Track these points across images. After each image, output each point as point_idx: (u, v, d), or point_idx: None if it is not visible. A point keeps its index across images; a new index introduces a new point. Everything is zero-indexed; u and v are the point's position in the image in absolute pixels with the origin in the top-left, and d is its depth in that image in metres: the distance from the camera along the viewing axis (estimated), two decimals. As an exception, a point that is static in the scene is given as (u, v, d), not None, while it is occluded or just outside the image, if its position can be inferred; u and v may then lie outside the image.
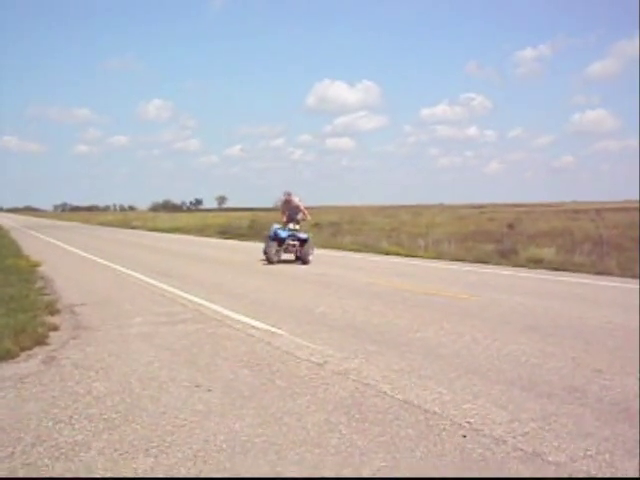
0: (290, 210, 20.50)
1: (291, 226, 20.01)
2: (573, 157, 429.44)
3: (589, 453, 4.58)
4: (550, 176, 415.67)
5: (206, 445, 4.78)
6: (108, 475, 4.36)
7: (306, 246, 19.79)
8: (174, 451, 4.68)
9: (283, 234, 19.62)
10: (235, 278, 15.99)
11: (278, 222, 20.55)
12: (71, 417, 5.46)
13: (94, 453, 4.66)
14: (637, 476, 4.24)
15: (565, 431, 5.02)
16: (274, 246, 19.37)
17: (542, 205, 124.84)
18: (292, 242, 19.80)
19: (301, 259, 19.68)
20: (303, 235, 20.11)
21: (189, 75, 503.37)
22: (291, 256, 20.08)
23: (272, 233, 19.82)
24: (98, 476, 4.41)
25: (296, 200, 20.76)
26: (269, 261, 19.10)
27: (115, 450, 4.72)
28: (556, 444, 4.74)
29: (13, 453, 4.68)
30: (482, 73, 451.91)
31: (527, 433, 4.98)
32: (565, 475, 4.25)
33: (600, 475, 4.25)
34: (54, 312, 10.58)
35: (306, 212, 20.89)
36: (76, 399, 5.98)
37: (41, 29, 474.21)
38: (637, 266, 16.58)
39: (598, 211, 61.57)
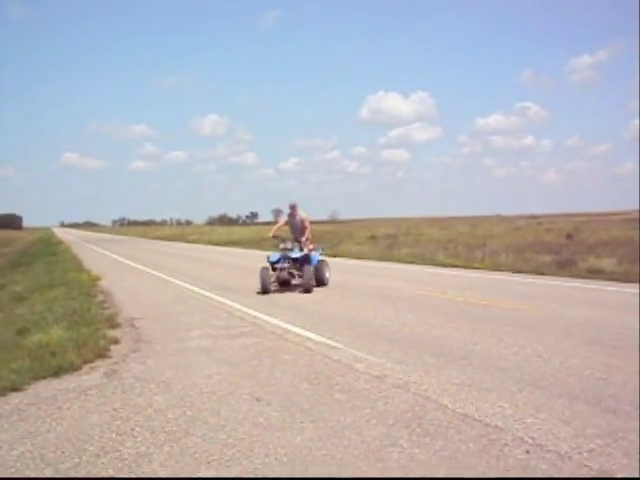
0: (294, 226, 16.59)
1: (282, 245, 16.01)
2: (632, 164, 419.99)
3: (659, 470, 4.45)
4: (610, 184, 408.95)
5: (266, 459, 4.79)
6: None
7: (305, 268, 15.50)
8: (235, 464, 4.70)
9: (272, 258, 15.97)
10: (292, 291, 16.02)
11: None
12: (133, 429, 5.53)
13: (156, 465, 4.72)
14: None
15: (634, 448, 4.88)
16: (265, 274, 15.44)
17: (602, 214, 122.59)
18: (282, 265, 15.83)
19: (302, 285, 15.49)
20: (297, 253, 15.86)
21: (244, 90, 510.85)
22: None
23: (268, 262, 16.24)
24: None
25: (302, 214, 16.62)
26: (264, 292, 15.16)
27: (177, 462, 4.76)
28: (625, 461, 4.62)
29: (79, 464, 4.77)
30: (537, 81, 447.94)
31: (593, 450, 4.86)
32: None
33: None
34: (115, 325, 10.77)
35: (309, 230, 16.54)
36: (138, 411, 6.06)
37: (100, 49, 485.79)
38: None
39: (661, 220, 60.27)
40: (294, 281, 16.21)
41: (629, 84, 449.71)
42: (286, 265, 15.79)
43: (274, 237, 16.70)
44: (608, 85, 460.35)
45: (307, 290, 15.21)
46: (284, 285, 16.23)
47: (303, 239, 16.17)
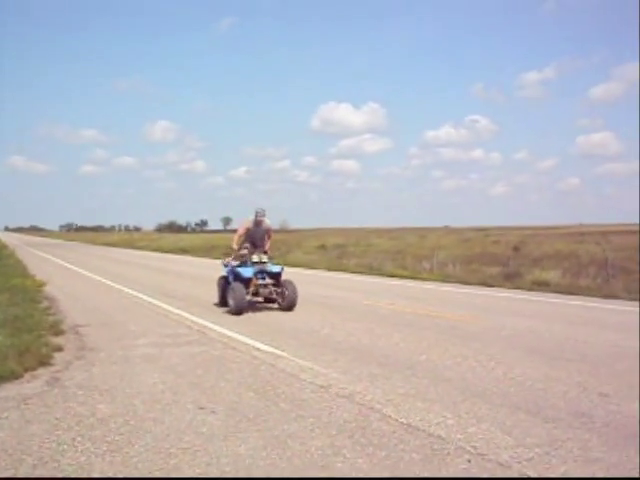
0: (256, 235, 14.45)
1: (255, 257, 13.97)
2: (578, 180, 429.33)
3: (595, 479, 4.55)
4: (555, 199, 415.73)
5: (209, 468, 4.76)
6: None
7: (288, 283, 13.93)
8: (177, 474, 4.66)
9: (247, 272, 13.76)
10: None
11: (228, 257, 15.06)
12: (74, 439, 5.44)
13: (96, 475, 4.65)
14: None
15: (571, 457, 4.98)
16: (241, 291, 13.23)
17: (547, 228, 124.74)
18: (263, 282, 13.95)
19: (286, 302, 13.75)
20: (276, 268, 14.35)
21: (195, 97, 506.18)
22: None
23: (229, 273, 14.33)
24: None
25: (268, 223, 14.78)
26: (238, 314, 12.96)
27: (118, 472, 4.70)
28: (563, 470, 4.71)
29: (15, 475, 4.67)
30: (487, 95, 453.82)
31: (532, 458, 4.94)
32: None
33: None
34: (59, 332, 10.59)
35: (269, 240, 14.86)
36: (79, 421, 5.96)
37: (49, 49, 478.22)
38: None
39: (604, 234, 61.64)
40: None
41: (575, 101, 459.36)
42: (268, 281, 13.99)
43: (238, 249, 14.33)
44: (555, 102, 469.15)
45: (290, 308, 13.64)
46: (265, 302, 14.38)
47: (267, 248, 14.52)
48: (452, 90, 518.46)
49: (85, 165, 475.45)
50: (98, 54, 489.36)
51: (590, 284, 18.77)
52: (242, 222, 14.59)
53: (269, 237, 14.78)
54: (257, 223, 14.40)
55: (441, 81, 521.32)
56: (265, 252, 14.31)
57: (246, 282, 13.70)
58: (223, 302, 14.20)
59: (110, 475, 4.66)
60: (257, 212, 14.31)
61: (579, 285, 18.63)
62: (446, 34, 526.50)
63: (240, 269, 13.87)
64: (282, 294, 13.88)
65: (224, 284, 14.47)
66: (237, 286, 13.37)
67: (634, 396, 6.74)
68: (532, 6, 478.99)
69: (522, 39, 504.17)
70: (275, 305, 14.13)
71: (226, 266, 14.67)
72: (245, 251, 14.16)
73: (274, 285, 14.08)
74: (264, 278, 13.98)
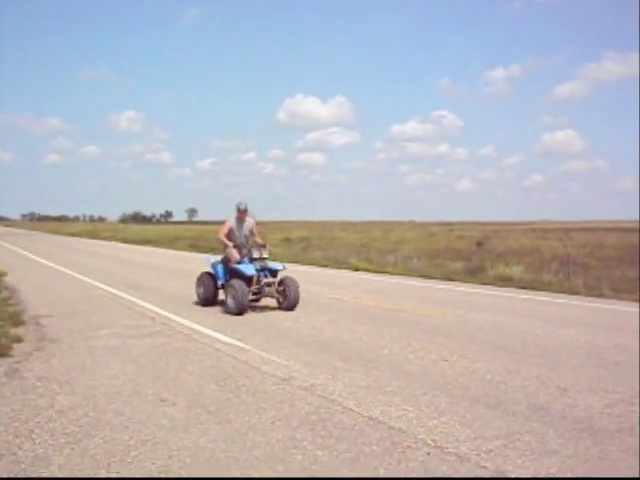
0: (240, 232, 13.28)
1: (256, 253, 12.91)
2: (542, 177, 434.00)
3: (552, 471, 4.62)
4: (520, 195, 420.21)
5: (170, 461, 4.75)
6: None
7: (289, 281, 12.91)
8: (137, 467, 4.64)
9: (249, 269, 12.60)
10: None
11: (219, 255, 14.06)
12: (32, 431, 5.39)
13: (54, 468, 4.61)
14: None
15: (529, 449, 5.06)
16: (243, 289, 12.15)
17: (512, 224, 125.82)
18: (267, 280, 12.89)
19: (287, 302, 12.76)
20: (278, 265, 13.39)
21: (162, 87, 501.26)
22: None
23: (217, 270, 13.33)
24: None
25: (252, 221, 13.59)
26: (240, 314, 11.95)
27: (76, 465, 4.66)
28: (519, 462, 4.77)
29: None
30: (453, 90, 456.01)
31: (491, 450, 5.00)
32: None
33: None
34: (19, 323, 10.46)
35: (259, 234, 13.81)
36: (38, 412, 5.91)
37: (12, 37, 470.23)
38: (603, 285, 16.80)
39: (566, 231, 62.41)
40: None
41: (540, 99, 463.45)
42: (271, 279, 12.99)
43: (234, 246, 12.96)
44: (521, 99, 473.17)
45: (292, 308, 12.72)
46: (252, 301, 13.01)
47: (260, 242, 13.31)
48: (419, 85, 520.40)
49: (49, 154, 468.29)
50: (62, 42, 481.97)
51: (552, 279, 18.98)
52: (224, 223, 13.36)
53: (254, 234, 13.48)
54: (240, 219, 13.21)
55: (408, 75, 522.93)
56: (264, 246, 13.17)
57: (248, 280, 12.57)
58: (207, 301, 13.28)
59: (72, 465, 4.63)
60: (240, 207, 13.12)
61: (541, 280, 18.83)
62: (414, 29, 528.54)
63: (241, 266, 12.65)
64: (283, 293, 12.88)
65: (209, 281, 13.43)
66: (238, 284, 12.24)
67: (591, 390, 6.85)
68: (500, 4, 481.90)
69: (489, 36, 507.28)
70: (259, 303, 13.41)
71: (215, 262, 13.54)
72: (234, 250, 12.91)
73: (279, 284, 13.02)
74: (266, 276, 12.95)
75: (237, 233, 13.21)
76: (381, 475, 4.54)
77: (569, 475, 4.55)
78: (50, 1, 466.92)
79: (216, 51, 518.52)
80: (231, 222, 13.24)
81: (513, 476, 4.52)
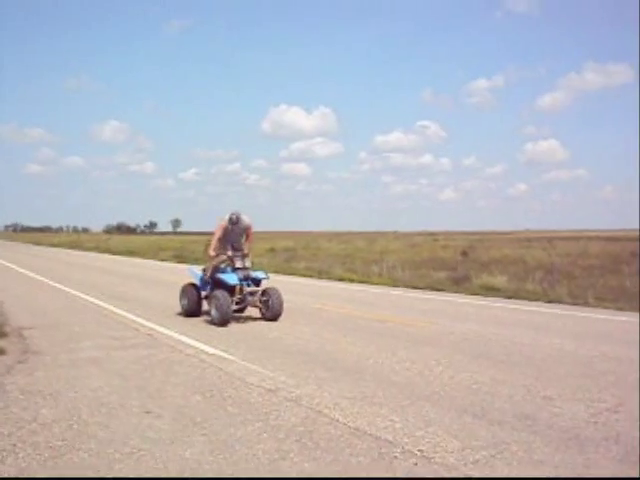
0: (234, 236, 13.15)
1: (239, 263, 12.73)
2: (525, 186, 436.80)
3: (539, 481, 4.61)
4: (503, 205, 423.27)
5: (155, 473, 4.71)
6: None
7: (273, 291, 12.73)
8: (121, 480, 4.59)
9: (231, 279, 12.47)
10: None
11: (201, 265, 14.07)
12: (15, 445, 5.32)
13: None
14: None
15: (516, 458, 5.05)
16: (226, 299, 12.00)
17: (495, 233, 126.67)
18: (249, 289, 12.73)
19: (270, 312, 12.63)
20: (261, 274, 13.16)
21: (145, 97, 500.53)
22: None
23: (200, 281, 13.38)
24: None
25: (247, 220, 13.28)
26: (223, 325, 11.86)
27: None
28: (506, 471, 4.77)
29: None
30: (436, 101, 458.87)
31: (478, 461, 4.99)
32: None
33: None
34: (1, 335, 10.35)
35: (249, 242, 13.61)
36: (21, 426, 5.84)
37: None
38: (587, 294, 16.87)
39: (549, 240, 62.80)
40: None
41: (522, 109, 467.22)
42: (254, 288, 12.84)
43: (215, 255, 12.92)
44: (503, 109, 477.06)
45: (275, 318, 12.59)
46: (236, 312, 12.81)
47: (247, 251, 13.18)
48: (402, 95, 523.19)
49: (31, 164, 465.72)
50: (44, 51, 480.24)
51: (536, 289, 19.03)
52: (217, 223, 13.04)
53: (248, 238, 13.42)
54: (234, 221, 12.83)
55: (391, 86, 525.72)
56: (246, 255, 12.99)
57: (230, 290, 12.44)
58: (191, 312, 13.12)
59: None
60: (233, 217, 12.81)
61: (526, 289, 18.88)
62: (396, 40, 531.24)
63: (223, 275, 12.57)
64: (266, 303, 12.71)
65: (193, 292, 13.26)
66: (222, 294, 12.08)
67: (577, 399, 6.86)
68: (482, 15, 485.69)
69: (472, 47, 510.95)
70: (243, 314, 13.31)
71: (201, 273, 13.43)
72: (224, 257, 12.87)
73: (262, 294, 12.84)
74: (249, 285, 12.77)
75: (231, 235, 13.02)
76: (368, 486, 4.52)
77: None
78: (32, 10, 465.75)
79: (200, 61, 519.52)
80: (225, 224, 12.90)
81: (501, 486, 4.52)
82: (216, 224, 13.10)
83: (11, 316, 12.85)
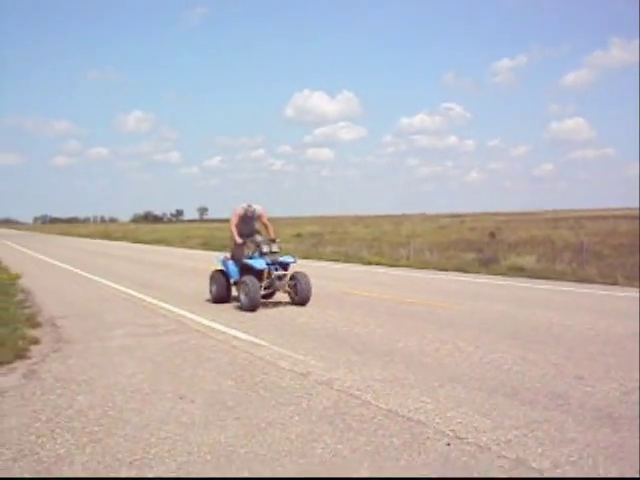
0: (248, 224, 13.44)
1: (265, 247, 12.82)
2: (552, 165, 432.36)
3: (572, 459, 4.60)
4: (529, 185, 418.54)
5: (190, 457, 4.76)
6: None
7: (301, 275, 12.82)
8: (157, 464, 4.65)
9: (259, 264, 12.56)
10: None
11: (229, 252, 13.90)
12: (53, 431, 5.41)
13: (77, 467, 4.63)
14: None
15: (548, 438, 5.05)
16: (255, 285, 12.04)
17: (522, 214, 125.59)
18: (277, 273, 12.73)
19: (299, 297, 12.71)
20: (289, 258, 13.23)
21: (169, 87, 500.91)
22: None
23: (228, 267, 13.29)
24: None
25: (260, 209, 13.54)
26: (252, 310, 11.91)
27: (98, 463, 4.68)
28: (539, 451, 4.77)
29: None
30: (460, 83, 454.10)
31: (510, 440, 5.00)
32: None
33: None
34: (35, 325, 10.51)
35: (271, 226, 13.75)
36: (58, 412, 5.93)
37: (19, 40, 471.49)
38: (617, 273, 16.75)
39: (577, 219, 62.28)
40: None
41: (546, 88, 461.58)
42: (282, 272, 12.85)
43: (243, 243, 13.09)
44: (527, 89, 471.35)
45: (304, 302, 12.65)
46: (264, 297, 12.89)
47: (273, 235, 13.34)
48: (426, 78, 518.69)
49: (58, 156, 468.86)
50: (68, 44, 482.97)
51: (565, 269, 18.95)
52: (234, 211, 13.34)
53: (264, 223, 13.60)
54: (249, 213, 13.25)
55: (414, 69, 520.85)
56: (273, 240, 13.07)
57: (259, 275, 12.51)
58: (220, 298, 13.23)
59: (95, 464, 4.65)
60: (246, 209, 13.23)
61: (554, 270, 18.79)
62: (418, 23, 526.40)
63: (251, 261, 12.66)
64: (294, 287, 12.79)
65: (221, 278, 13.38)
66: (250, 280, 12.14)
67: (609, 377, 6.84)
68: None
69: (494, 27, 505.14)
70: (272, 300, 13.30)
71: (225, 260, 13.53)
72: (240, 240, 13.02)
73: (290, 278, 12.90)
74: (277, 269, 12.77)
75: (246, 224, 13.33)
76: (402, 466, 4.54)
77: (590, 463, 4.54)
78: (53, 2, 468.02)
79: (222, 48, 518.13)
80: (241, 212, 13.25)
81: (534, 465, 4.52)
82: (233, 213, 13.35)
83: (43, 306, 13.01)
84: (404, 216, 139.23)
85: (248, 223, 13.40)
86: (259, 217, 13.55)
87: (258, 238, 13.25)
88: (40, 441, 5.17)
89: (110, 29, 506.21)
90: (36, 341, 9.18)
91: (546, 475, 4.35)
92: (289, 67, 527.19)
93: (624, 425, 5.32)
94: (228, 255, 13.79)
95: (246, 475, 4.45)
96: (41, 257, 32.17)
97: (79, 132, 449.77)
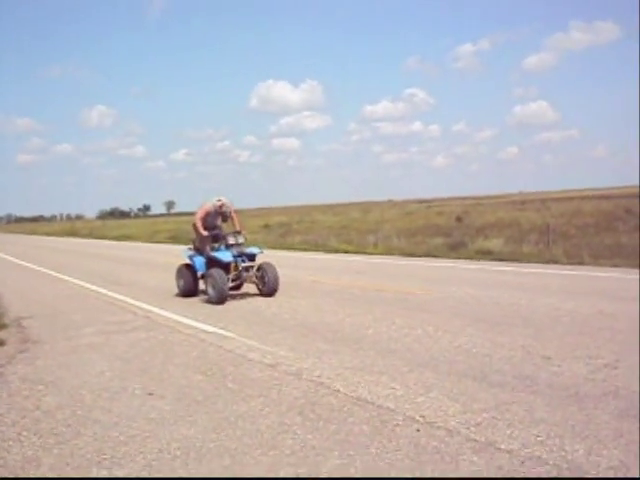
0: (215, 223, 13.41)
1: (231, 239, 12.79)
2: (517, 149, 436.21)
3: (540, 439, 4.65)
4: (495, 168, 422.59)
5: (160, 454, 4.73)
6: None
7: (268, 266, 12.76)
8: (128, 462, 4.62)
9: (226, 256, 12.51)
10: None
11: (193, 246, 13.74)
12: (19, 434, 5.34)
13: (45, 469, 4.58)
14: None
15: (517, 419, 5.10)
16: (222, 277, 12.02)
17: (489, 197, 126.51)
18: (244, 265, 12.69)
19: (267, 288, 12.65)
20: (255, 249, 13.26)
21: (132, 81, 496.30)
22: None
23: (195, 260, 13.14)
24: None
25: (228, 203, 13.33)
26: (221, 303, 11.83)
27: (67, 464, 4.64)
28: (508, 432, 4.81)
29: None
30: (423, 68, 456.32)
31: (480, 423, 5.03)
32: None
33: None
34: (0, 326, 10.36)
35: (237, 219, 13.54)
36: (25, 415, 5.86)
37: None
38: (582, 253, 16.95)
39: (543, 201, 62.90)
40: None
41: (509, 72, 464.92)
42: (249, 263, 12.78)
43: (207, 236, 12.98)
44: (491, 73, 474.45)
45: (271, 293, 12.62)
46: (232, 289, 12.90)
47: (238, 227, 13.25)
48: (388, 64, 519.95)
49: (21, 154, 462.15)
50: (29, 39, 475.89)
51: (532, 250, 19.14)
52: (202, 205, 13.27)
53: (231, 217, 13.27)
54: (218, 207, 13.07)
55: (377, 56, 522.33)
56: (239, 232, 13.04)
57: (226, 267, 12.49)
58: (187, 292, 13.16)
59: (63, 465, 4.61)
60: (216, 207, 13.07)
61: (522, 252, 18.97)
62: (379, 9, 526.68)
63: (217, 253, 12.61)
64: (262, 278, 12.74)
65: (188, 272, 13.27)
66: (217, 273, 12.08)
67: (575, 357, 6.92)
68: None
69: (456, 12, 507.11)
70: (240, 291, 13.26)
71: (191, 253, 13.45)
72: (206, 233, 12.92)
73: (257, 269, 12.84)
74: (244, 261, 12.73)
75: (213, 219, 13.29)
76: (372, 453, 4.55)
77: (558, 442, 4.59)
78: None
79: (183, 40, 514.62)
80: (209, 209, 13.15)
81: (503, 447, 4.56)
82: (200, 207, 13.31)
83: (9, 306, 12.83)
84: (372, 203, 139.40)
85: (215, 217, 13.33)
86: (229, 213, 13.25)
87: (219, 232, 13.25)
88: (6, 445, 5.10)
89: (71, 24, 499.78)
90: (1, 342, 9.05)
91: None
92: (252, 57, 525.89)
93: (591, 403, 5.39)
94: (190, 247, 13.78)
95: (216, 469, 4.44)
96: (6, 257, 31.75)
97: (42, 129, 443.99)
